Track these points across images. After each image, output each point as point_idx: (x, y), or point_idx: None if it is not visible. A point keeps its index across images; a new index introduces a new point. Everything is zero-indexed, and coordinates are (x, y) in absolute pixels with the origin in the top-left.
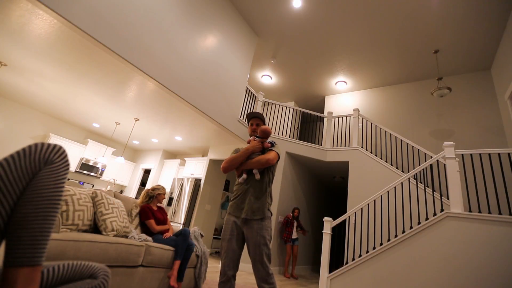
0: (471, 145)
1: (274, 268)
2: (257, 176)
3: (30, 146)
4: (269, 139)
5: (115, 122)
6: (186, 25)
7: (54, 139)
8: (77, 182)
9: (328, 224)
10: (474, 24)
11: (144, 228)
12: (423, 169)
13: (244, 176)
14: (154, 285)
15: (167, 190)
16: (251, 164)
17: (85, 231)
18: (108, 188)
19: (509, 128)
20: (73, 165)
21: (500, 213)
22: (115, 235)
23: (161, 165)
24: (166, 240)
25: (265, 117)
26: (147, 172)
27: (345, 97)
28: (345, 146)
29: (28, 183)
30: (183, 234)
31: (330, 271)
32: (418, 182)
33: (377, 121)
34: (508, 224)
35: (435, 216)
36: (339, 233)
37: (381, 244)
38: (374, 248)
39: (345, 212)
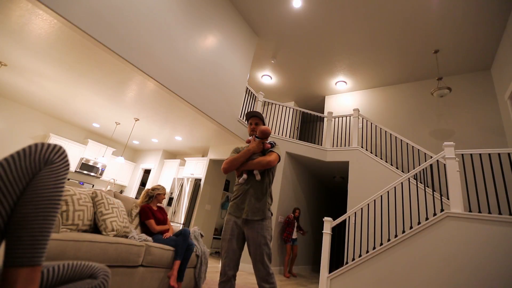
0: (471, 145)
1: (275, 268)
2: (258, 177)
3: (30, 146)
4: (269, 139)
5: (115, 122)
6: (186, 25)
7: (54, 139)
8: (77, 182)
9: (328, 224)
10: (474, 24)
11: (144, 228)
12: (423, 169)
13: (245, 176)
14: (154, 285)
15: (167, 190)
16: (252, 165)
17: (85, 231)
18: (108, 188)
19: (509, 128)
20: (73, 165)
21: (500, 213)
22: (115, 235)
23: (161, 165)
24: (166, 240)
25: (265, 117)
26: (147, 172)
27: (345, 97)
28: (345, 146)
29: (28, 183)
30: (183, 234)
31: (330, 271)
32: (418, 182)
33: (377, 121)
34: (508, 224)
35: (435, 216)
36: (339, 233)
37: (381, 244)
38: (374, 248)
39: (345, 212)
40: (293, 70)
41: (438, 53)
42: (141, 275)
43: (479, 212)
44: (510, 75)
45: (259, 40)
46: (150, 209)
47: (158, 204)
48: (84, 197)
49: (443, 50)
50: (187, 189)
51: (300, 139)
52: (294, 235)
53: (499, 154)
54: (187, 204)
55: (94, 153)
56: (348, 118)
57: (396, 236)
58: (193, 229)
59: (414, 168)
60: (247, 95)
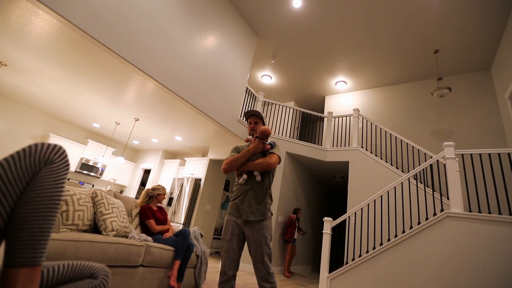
0: (471, 145)
1: (275, 268)
2: (258, 178)
3: (30, 146)
4: (269, 139)
5: (115, 122)
6: (186, 25)
7: (54, 139)
8: (77, 182)
9: (328, 224)
10: (474, 24)
11: (144, 228)
12: (423, 169)
13: (245, 176)
14: (154, 285)
15: (167, 190)
16: (253, 166)
17: (85, 231)
18: (108, 188)
19: (509, 128)
20: (73, 165)
21: (500, 213)
22: (115, 235)
23: (161, 165)
24: (166, 240)
25: (265, 117)
26: (147, 172)
27: (345, 97)
28: (345, 146)
29: (28, 183)
30: (183, 234)
31: (330, 271)
32: (418, 182)
33: (377, 121)
34: (508, 224)
35: (435, 216)
36: (339, 233)
37: (381, 244)
38: (374, 248)
39: (345, 212)
40: (293, 70)
41: (438, 53)
42: (141, 275)
43: (479, 212)
44: (510, 75)
45: (259, 40)
46: (150, 209)
47: (158, 204)
48: (84, 197)
49: (443, 50)
50: (187, 189)
51: (300, 139)
52: (295, 236)
53: (499, 154)
54: (187, 204)
55: (94, 153)
56: (348, 118)
57: (396, 236)
58: (193, 229)
59: (414, 168)
60: (247, 95)
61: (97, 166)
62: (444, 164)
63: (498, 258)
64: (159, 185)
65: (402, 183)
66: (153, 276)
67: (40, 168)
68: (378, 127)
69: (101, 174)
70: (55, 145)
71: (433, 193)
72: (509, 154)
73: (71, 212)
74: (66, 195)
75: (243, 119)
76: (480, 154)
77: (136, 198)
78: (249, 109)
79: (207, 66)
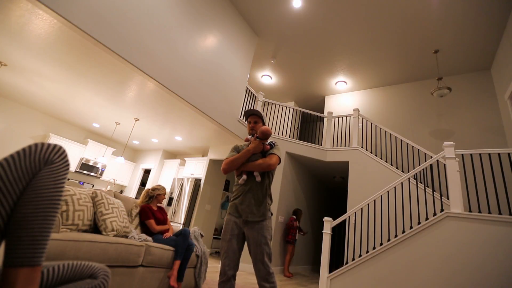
0: (471, 145)
1: (275, 268)
2: (258, 178)
3: (30, 146)
4: (269, 139)
5: (115, 122)
6: (186, 25)
7: (54, 139)
8: (77, 182)
9: (328, 224)
10: (474, 24)
11: (144, 228)
12: (423, 169)
13: (244, 177)
14: (154, 285)
15: (167, 190)
16: (253, 167)
17: (85, 231)
18: (108, 188)
19: (509, 128)
20: (73, 165)
21: (500, 213)
22: (115, 235)
23: (161, 165)
24: (166, 240)
25: (264, 116)
26: (147, 172)
27: (345, 97)
28: (345, 146)
29: (28, 183)
30: (183, 234)
31: (330, 271)
32: (418, 182)
33: (377, 121)
34: (508, 224)
35: (435, 216)
36: (339, 233)
37: (381, 244)
38: (374, 248)
39: (345, 212)
40: (293, 70)
41: (438, 53)
42: (141, 275)
43: (479, 212)
44: (510, 75)
45: (259, 40)
46: (150, 209)
47: (158, 204)
48: (84, 197)
49: (443, 50)
50: (187, 189)
51: (300, 139)
52: (296, 236)
53: (499, 154)
54: (187, 204)
55: (94, 153)
56: (348, 118)
57: (396, 236)
58: (193, 229)
59: (414, 168)
60: (247, 95)
61: (97, 166)
62: (444, 164)
63: (498, 258)
64: (159, 185)
65: (402, 183)
66: (153, 276)
67: (40, 168)
68: (378, 127)
69: (101, 174)
70: (55, 145)
71: (433, 193)
72: (509, 154)
73: (71, 212)
74: (66, 195)
75: (243, 119)
76: (480, 154)
77: (136, 198)
78: (249, 109)
79: (207, 66)
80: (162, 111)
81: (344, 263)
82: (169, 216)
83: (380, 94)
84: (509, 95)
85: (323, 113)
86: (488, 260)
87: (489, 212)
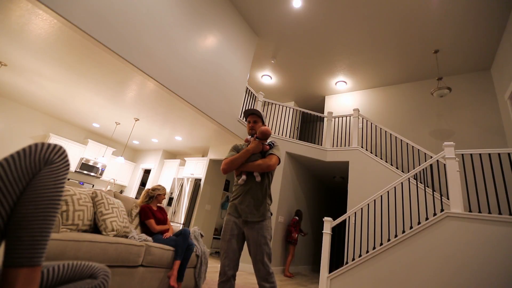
0: (471, 145)
1: (276, 268)
2: (258, 179)
3: (30, 146)
4: (269, 139)
5: (115, 122)
6: (186, 25)
7: (54, 139)
8: (77, 182)
9: (328, 224)
10: (474, 24)
11: (144, 228)
12: (423, 169)
13: (244, 177)
14: (154, 285)
15: (167, 190)
16: (252, 167)
17: (85, 231)
18: (108, 188)
19: (509, 128)
20: (73, 165)
21: (500, 213)
22: (115, 235)
23: (161, 165)
24: (166, 240)
25: (264, 116)
26: (147, 172)
27: (345, 97)
28: (345, 146)
29: (28, 183)
30: (183, 234)
31: (330, 271)
32: (418, 182)
33: (377, 121)
34: (508, 224)
35: (435, 216)
36: (339, 233)
37: (381, 244)
38: (374, 248)
39: (345, 212)
40: (293, 70)
41: (438, 53)
42: (141, 275)
43: (479, 212)
44: (510, 75)
45: (259, 40)
46: (150, 209)
47: (158, 204)
48: (84, 197)
49: (443, 50)
50: (187, 189)
51: (300, 139)
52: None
53: (499, 154)
54: (187, 204)
55: (94, 153)
56: (348, 118)
57: (396, 236)
58: (193, 229)
59: (414, 168)
60: (247, 95)
61: (97, 166)
62: (444, 164)
63: (498, 258)
64: (159, 185)
65: (402, 183)
66: (153, 276)
67: (40, 168)
68: (378, 127)
69: (101, 174)
70: (55, 145)
71: (433, 193)
72: (509, 154)
73: (71, 212)
74: (66, 195)
75: (243, 119)
76: (480, 154)
77: (136, 198)
78: (248, 108)
79: (207, 66)
80: (162, 111)
81: (344, 263)
82: (169, 216)
83: (380, 94)
84: (509, 95)
85: (323, 113)
86: (488, 260)
87: (489, 212)
